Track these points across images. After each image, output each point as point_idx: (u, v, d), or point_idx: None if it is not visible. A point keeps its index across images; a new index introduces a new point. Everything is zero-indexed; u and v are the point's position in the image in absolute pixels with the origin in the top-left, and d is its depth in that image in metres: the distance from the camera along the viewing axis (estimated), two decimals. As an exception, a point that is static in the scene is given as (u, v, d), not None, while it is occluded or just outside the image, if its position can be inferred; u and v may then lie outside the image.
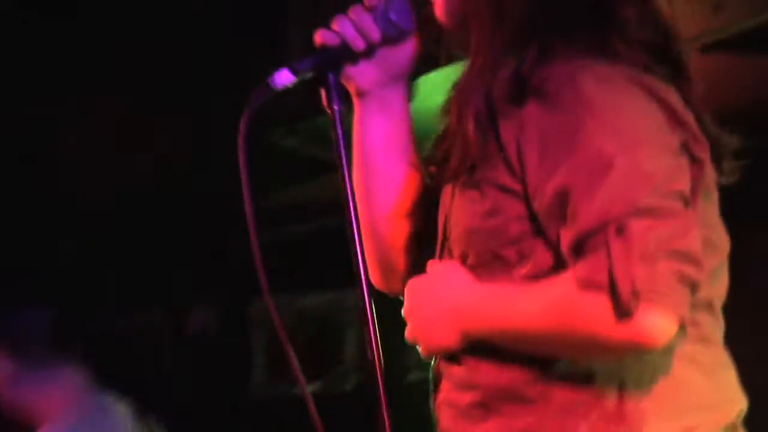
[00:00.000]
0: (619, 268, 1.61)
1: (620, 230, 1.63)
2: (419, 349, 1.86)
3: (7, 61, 3.89)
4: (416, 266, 1.93)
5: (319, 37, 1.91)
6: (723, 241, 1.84)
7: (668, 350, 1.72)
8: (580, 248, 1.66)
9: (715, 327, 1.82)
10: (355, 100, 2.00)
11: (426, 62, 2.00)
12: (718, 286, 1.83)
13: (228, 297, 5.02)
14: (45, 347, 3.14)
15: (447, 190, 1.88)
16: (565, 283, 1.68)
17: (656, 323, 1.62)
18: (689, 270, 1.63)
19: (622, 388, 1.74)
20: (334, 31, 1.90)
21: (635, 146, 1.67)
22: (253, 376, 5.10)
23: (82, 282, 3.73)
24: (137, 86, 4.05)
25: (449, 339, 1.80)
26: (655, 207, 1.64)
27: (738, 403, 1.82)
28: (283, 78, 1.84)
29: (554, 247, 1.71)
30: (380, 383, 1.76)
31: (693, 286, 1.64)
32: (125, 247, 4.39)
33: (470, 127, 1.78)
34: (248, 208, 1.81)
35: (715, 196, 1.82)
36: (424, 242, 1.96)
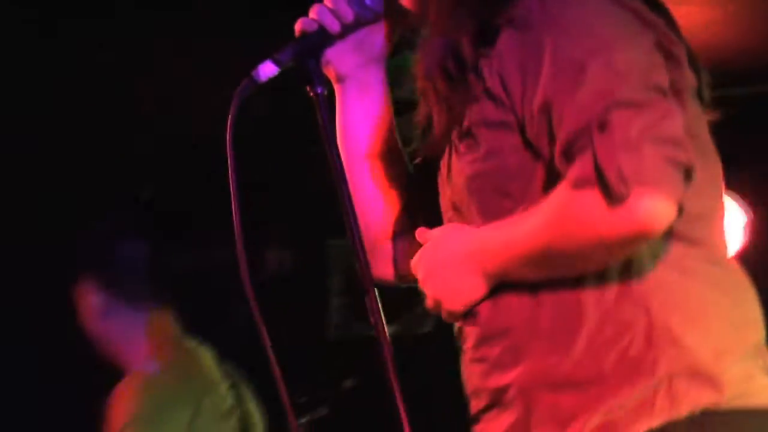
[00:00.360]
0: (604, 159, 1.64)
1: (602, 126, 1.66)
2: (442, 312, 1.87)
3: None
4: (406, 250, 1.98)
5: (299, 25, 1.99)
6: (713, 155, 1.86)
7: (692, 273, 1.77)
8: (569, 154, 1.69)
9: (725, 249, 1.86)
10: (335, 87, 2.07)
11: (408, 46, 2.05)
12: (718, 206, 1.86)
13: (305, 235, 5.00)
14: (140, 283, 3.10)
15: (443, 163, 1.92)
16: (560, 191, 1.71)
17: (651, 207, 1.64)
18: (676, 153, 1.65)
19: (649, 312, 1.76)
20: (312, 19, 1.99)
21: (607, 48, 1.71)
22: (329, 316, 5.06)
23: (162, 222, 3.68)
24: (214, 27, 4.03)
25: (474, 285, 1.82)
26: (634, 99, 1.67)
27: (762, 324, 1.85)
28: (267, 70, 1.93)
29: (553, 170, 1.74)
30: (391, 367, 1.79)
31: (685, 170, 1.66)
32: (201, 186, 4.37)
33: (441, 83, 1.85)
34: (235, 216, 1.98)
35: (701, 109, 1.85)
36: (410, 223, 2.01)
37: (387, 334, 1.80)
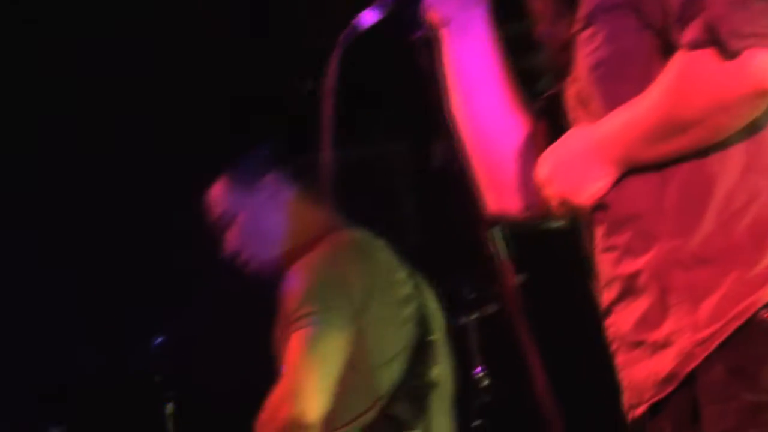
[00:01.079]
0: (716, 17, 1.68)
1: None
2: (570, 210, 1.87)
3: None
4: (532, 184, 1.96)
5: None
6: None
7: None
8: (683, 20, 1.73)
9: None
10: (439, 32, 2.05)
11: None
12: None
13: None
14: (299, 180, 3.03)
15: (568, 68, 1.92)
16: (676, 58, 1.73)
17: (767, 61, 1.67)
18: None
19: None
20: None
21: None
22: None
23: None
24: None
25: (600, 176, 1.82)
26: None
27: None
28: (369, 17, 1.95)
29: (671, 50, 1.76)
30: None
31: None
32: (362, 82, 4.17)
33: None
34: (326, 157, 1.93)
35: None
36: (536, 156, 1.96)
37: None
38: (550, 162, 1.87)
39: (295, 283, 2.89)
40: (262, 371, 3.29)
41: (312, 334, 2.77)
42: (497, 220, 1.95)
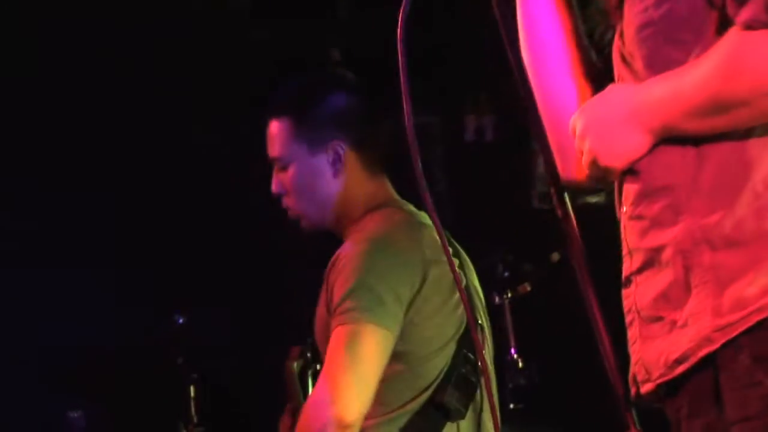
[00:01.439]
0: None
1: None
2: (598, 170, 1.82)
3: None
4: None
5: None
6: None
7: None
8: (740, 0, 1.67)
9: None
10: None
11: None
12: None
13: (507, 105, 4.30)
14: (361, 148, 2.89)
15: (618, 26, 1.87)
16: (730, 35, 1.68)
17: None
18: None
19: None
20: None
21: None
22: (534, 184, 4.60)
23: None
24: None
25: (635, 143, 1.76)
26: None
27: None
28: None
29: (726, 19, 1.71)
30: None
31: None
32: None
33: None
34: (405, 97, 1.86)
35: None
36: None
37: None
38: (587, 115, 1.82)
39: (345, 266, 2.73)
40: (286, 353, 3.25)
41: (356, 332, 2.66)
42: (567, 184, 1.88)
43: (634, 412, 1.76)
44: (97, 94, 4.45)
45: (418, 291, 2.72)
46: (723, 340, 1.71)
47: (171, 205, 4.51)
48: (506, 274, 4.28)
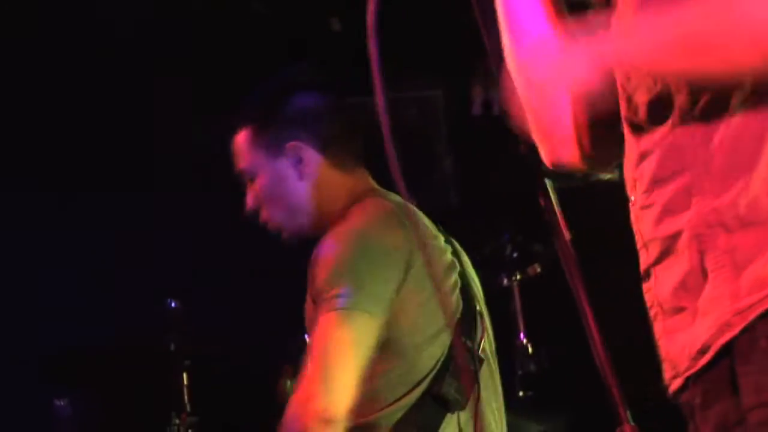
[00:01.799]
0: None
1: None
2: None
3: None
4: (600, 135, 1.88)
5: None
6: None
7: None
8: None
9: None
10: None
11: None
12: None
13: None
14: (329, 143, 2.83)
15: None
16: None
17: None
18: None
19: None
20: None
21: None
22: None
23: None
24: None
25: (587, 59, 1.67)
26: None
27: None
28: None
29: None
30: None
31: None
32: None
33: None
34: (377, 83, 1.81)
35: None
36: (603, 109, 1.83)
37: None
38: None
39: (326, 255, 2.70)
40: (280, 340, 3.18)
41: (341, 319, 2.61)
42: (552, 172, 1.86)
43: (628, 410, 1.70)
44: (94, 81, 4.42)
45: (404, 277, 2.65)
46: (743, 324, 1.66)
47: (165, 191, 4.49)
48: (515, 255, 4.16)
